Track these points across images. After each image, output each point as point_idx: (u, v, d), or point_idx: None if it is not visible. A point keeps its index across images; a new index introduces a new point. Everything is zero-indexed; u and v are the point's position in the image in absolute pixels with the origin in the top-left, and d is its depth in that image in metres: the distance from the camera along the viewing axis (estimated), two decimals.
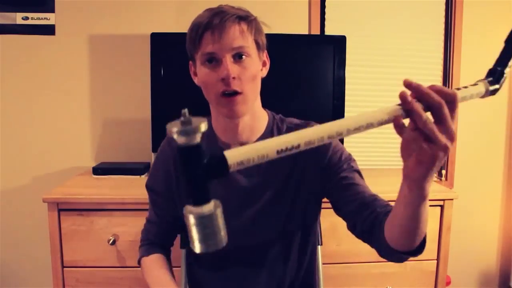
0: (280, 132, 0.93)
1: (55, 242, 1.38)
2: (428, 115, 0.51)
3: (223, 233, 0.43)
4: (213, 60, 0.81)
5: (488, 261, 2.17)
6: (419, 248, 0.71)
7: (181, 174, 0.44)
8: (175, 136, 0.41)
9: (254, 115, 0.90)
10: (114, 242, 1.38)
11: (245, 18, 0.82)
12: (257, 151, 0.44)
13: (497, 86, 0.57)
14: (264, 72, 0.90)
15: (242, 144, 0.89)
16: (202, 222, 0.42)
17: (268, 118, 0.95)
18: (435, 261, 1.52)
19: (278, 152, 0.45)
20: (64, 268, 1.41)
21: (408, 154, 0.54)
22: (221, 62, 0.80)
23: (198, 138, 0.41)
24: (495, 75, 0.58)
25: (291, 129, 0.94)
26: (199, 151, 0.42)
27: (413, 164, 0.54)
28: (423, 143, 0.51)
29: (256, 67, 0.84)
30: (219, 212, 0.43)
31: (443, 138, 0.50)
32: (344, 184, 0.87)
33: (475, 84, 0.56)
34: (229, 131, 0.90)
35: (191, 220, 0.42)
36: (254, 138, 0.92)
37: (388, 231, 0.72)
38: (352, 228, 0.86)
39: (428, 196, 0.59)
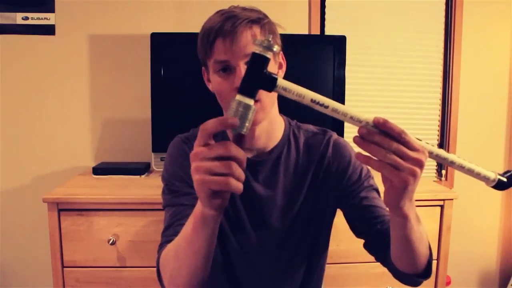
0: (297, 140, 0.92)
1: (55, 242, 1.38)
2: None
3: (248, 125, 0.54)
4: (226, 69, 0.78)
5: (488, 261, 2.17)
6: (426, 271, 0.75)
7: (246, 72, 0.55)
8: (256, 45, 0.54)
9: (272, 121, 0.88)
10: (114, 242, 1.38)
11: (257, 21, 0.78)
12: (298, 89, 0.56)
13: (504, 180, 0.64)
14: (281, 74, 0.87)
15: (258, 151, 0.90)
16: (242, 108, 0.54)
17: (285, 124, 0.93)
18: (435, 261, 1.52)
19: (312, 100, 0.56)
20: (64, 268, 1.41)
21: (385, 180, 0.59)
22: (234, 70, 0.77)
23: (270, 55, 0.54)
24: (511, 177, 0.65)
25: (309, 138, 0.93)
26: (266, 63, 0.55)
27: (387, 189, 0.59)
28: (392, 170, 0.55)
29: (272, 71, 0.82)
30: (254, 110, 0.55)
31: (408, 164, 0.55)
32: (364, 205, 0.87)
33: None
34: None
35: (235, 104, 0.54)
36: (271, 145, 0.90)
37: (391, 253, 0.75)
38: (368, 248, 0.88)
39: (410, 217, 0.63)
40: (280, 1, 1.88)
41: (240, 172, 0.54)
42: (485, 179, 0.63)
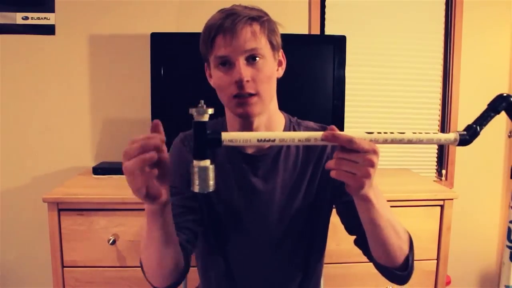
0: None
1: (55, 242, 1.38)
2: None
3: (212, 182, 0.61)
4: (226, 63, 0.80)
5: (488, 261, 2.17)
6: (404, 265, 0.77)
7: (193, 140, 0.61)
8: (194, 114, 0.59)
9: (270, 116, 0.89)
10: (114, 242, 1.38)
11: (257, 19, 0.81)
12: (243, 136, 0.62)
13: (467, 138, 0.70)
14: (281, 72, 0.89)
15: (257, 146, 0.90)
16: (201, 171, 0.60)
17: (285, 120, 0.94)
18: (435, 261, 1.52)
19: (258, 140, 0.62)
20: (64, 268, 1.41)
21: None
22: (234, 65, 0.79)
23: (206, 118, 0.60)
24: (470, 131, 0.71)
25: None
26: (205, 126, 0.61)
27: (346, 186, 0.65)
28: (348, 176, 0.61)
29: (270, 68, 0.83)
30: (212, 168, 0.61)
31: (360, 167, 0.60)
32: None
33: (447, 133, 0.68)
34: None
35: (194, 169, 0.60)
36: None
37: (370, 246, 0.79)
38: (358, 244, 0.89)
39: (373, 201, 0.68)
40: (280, 1, 1.88)
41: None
42: (448, 141, 0.68)
